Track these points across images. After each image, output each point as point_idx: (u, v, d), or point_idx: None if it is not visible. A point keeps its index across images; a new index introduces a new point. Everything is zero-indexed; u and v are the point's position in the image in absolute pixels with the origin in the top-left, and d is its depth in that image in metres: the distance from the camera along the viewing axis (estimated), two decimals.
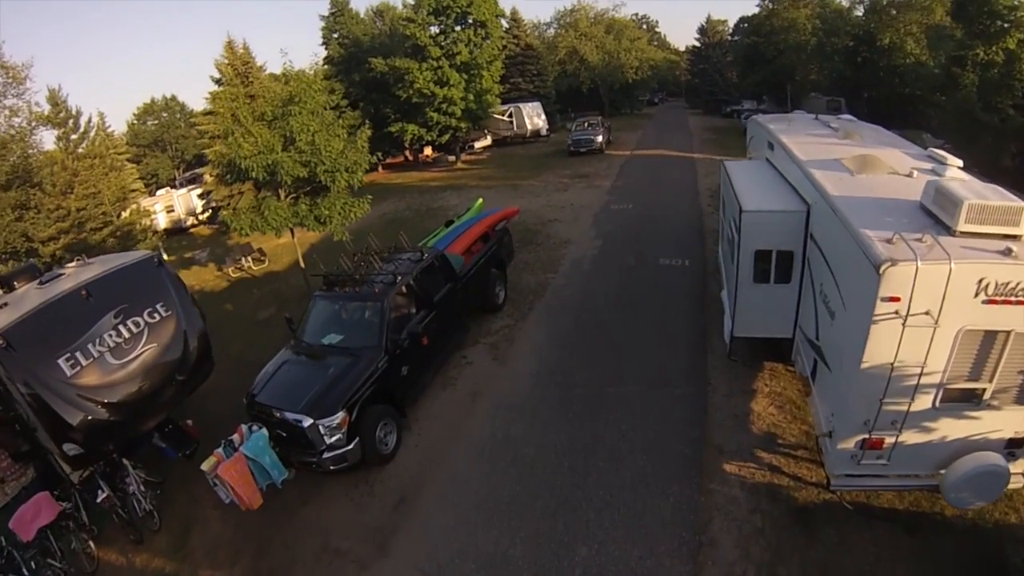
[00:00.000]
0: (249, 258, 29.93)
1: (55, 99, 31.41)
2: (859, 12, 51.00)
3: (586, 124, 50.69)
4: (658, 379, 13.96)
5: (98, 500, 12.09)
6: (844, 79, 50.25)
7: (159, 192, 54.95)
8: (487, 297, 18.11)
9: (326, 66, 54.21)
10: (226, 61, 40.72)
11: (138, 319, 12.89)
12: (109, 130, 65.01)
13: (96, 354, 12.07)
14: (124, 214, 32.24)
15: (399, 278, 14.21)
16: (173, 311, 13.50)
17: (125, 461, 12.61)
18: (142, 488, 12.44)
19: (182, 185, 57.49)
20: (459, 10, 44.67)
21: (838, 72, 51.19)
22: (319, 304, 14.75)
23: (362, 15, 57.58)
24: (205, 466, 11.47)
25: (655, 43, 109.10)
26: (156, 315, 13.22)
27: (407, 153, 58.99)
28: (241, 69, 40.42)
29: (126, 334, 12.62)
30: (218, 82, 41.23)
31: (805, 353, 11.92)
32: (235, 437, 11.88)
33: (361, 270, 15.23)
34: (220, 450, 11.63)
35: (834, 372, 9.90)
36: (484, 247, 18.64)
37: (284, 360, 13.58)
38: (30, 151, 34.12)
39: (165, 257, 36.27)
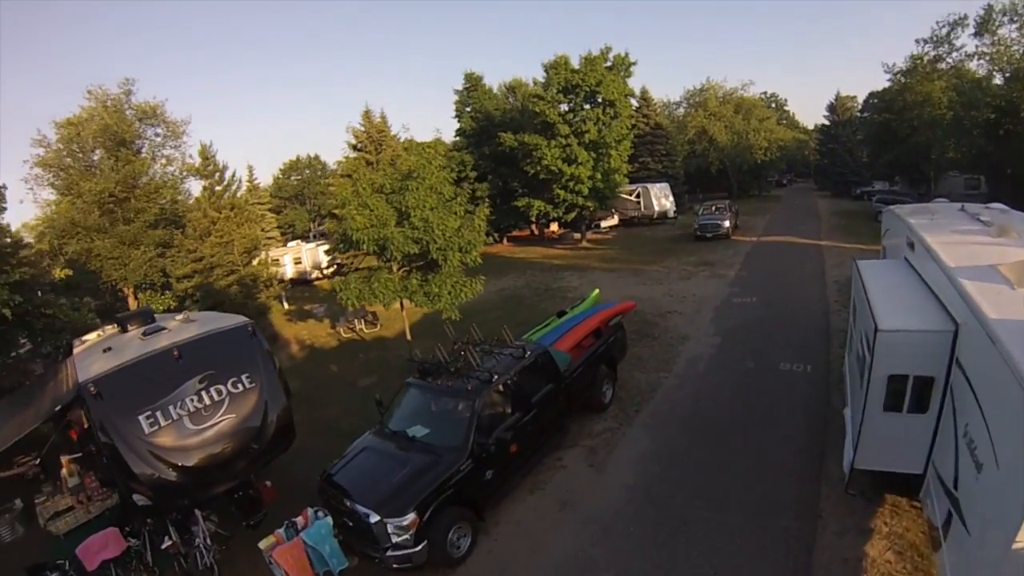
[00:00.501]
0: (362, 321, 29.96)
1: (206, 153, 33.17)
2: (999, 80, 45.91)
3: (713, 208, 49.08)
4: (763, 507, 12.16)
5: (163, 546, 12.10)
6: (984, 155, 46.08)
7: (290, 243, 56.80)
8: (593, 397, 16.54)
9: (457, 137, 55.04)
10: (362, 128, 41.85)
11: (221, 387, 12.50)
12: (256, 181, 69.06)
13: (175, 416, 11.83)
14: (254, 263, 33.11)
15: (495, 377, 13.01)
16: (257, 384, 13.01)
17: (197, 511, 12.44)
18: (208, 541, 12.24)
19: (314, 238, 59.26)
20: (588, 89, 44.16)
21: (978, 148, 46.43)
22: (410, 392, 13.96)
23: (495, 90, 58.46)
24: (263, 544, 11.09)
25: (784, 122, 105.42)
26: (240, 386, 12.78)
27: (533, 227, 58.79)
28: (376, 137, 41.46)
29: (207, 401, 12.26)
30: (354, 147, 42.35)
31: (937, 497, 9.96)
32: (299, 520, 11.37)
33: (457, 362, 14.13)
34: (281, 531, 11.20)
35: (974, 538, 8.03)
36: (595, 343, 17.20)
37: (365, 445, 12.89)
38: (179, 197, 36.81)
39: (286, 306, 37.65)
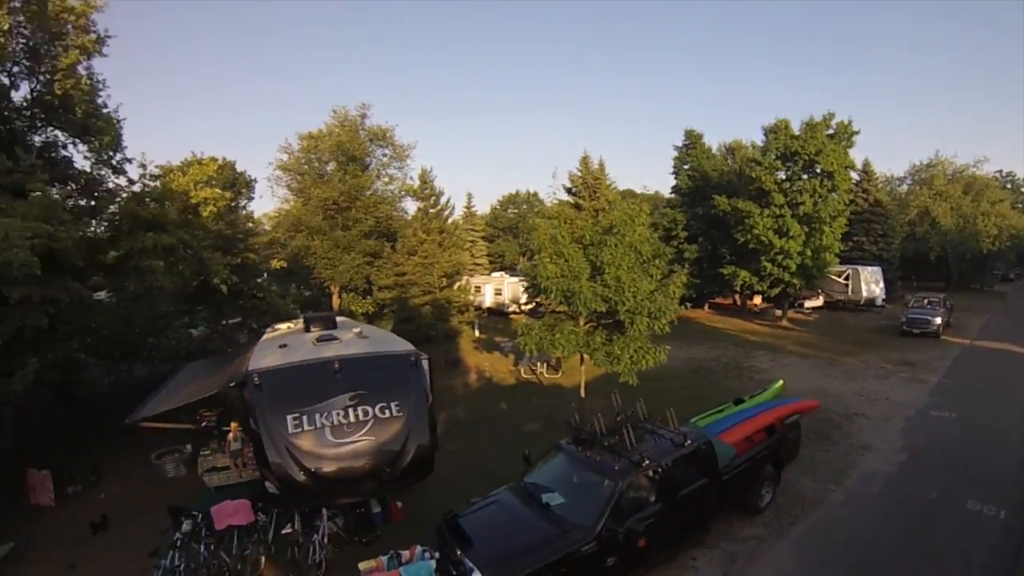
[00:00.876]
0: (545, 364, 29.01)
1: (425, 178, 34.32)
2: None
3: (925, 301, 43.01)
4: None
5: (284, 531, 12.94)
6: None
7: (495, 274, 57.38)
8: (749, 498, 14.43)
9: (672, 195, 53.52)
10: (579, 173, 41.80)
11: (368, 408, 12.28)
12: (473, 209, 71.48)
13: (319, 425, 11.85)
14: (454, 287, 33.63)
15: (646, 461, 11.64)
16: (404, 414, 12.62)
17: (324, 510, 13.04)
18: (325, 540, 12.74)
19: (519, 272, 59.88)
20: (807, 157, 40.52)
21: None
22: (558, 456, 12.95)
23: (714, 150, 55.28)
24: (362, 566, 11.03)
25: (1020, 206, 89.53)
26: (387, 412, 12.46)
27: (736, 297, 55.53)
28: (591, 184, 41.28)
29: (352, 419, 12.09)
30: (568, 191, 42.39)
31: None
32: (405, 553, 11.14)
33: (613, 436, 12.75)
34: (384, 559, 11.05)
35: None
36: (765, 440, 15.14)
37: (497, 499, 12.13)
38: (394, 213, 38.78)
39: (477, 334, 37.90)
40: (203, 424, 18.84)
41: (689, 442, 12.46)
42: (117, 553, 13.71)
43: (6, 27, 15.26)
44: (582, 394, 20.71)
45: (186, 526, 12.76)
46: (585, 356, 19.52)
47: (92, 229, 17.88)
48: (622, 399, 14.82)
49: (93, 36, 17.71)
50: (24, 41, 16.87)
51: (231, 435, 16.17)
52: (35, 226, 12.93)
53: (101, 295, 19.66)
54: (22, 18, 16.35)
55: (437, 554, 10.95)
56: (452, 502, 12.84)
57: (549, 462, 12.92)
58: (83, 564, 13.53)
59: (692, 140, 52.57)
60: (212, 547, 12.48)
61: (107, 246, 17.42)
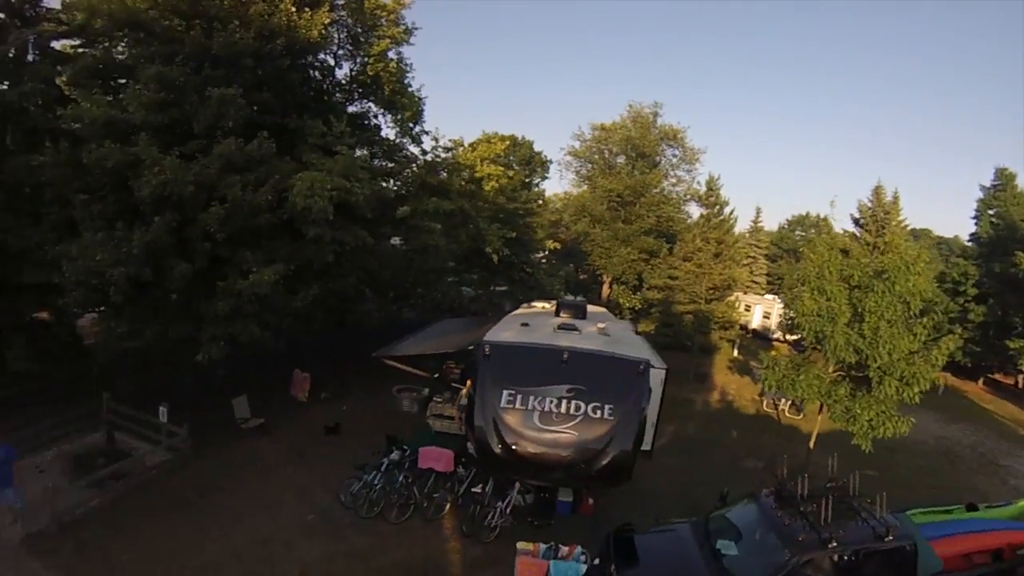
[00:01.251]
0: (788, 402, 26.00)
1: (712, 185, 33.82)
2: None
3: None
4: None
5: (474, 489, 14.06)
6: None
7: (767, 296, 53.97)
8: None
9: (969, 243, 45.75)
10: (869, 205, 38.03)
11: (581, 404, 12.15)
12: (760, 224, 68.02)
13: (529, 407, 12.10)
14: (724, 302, 32.47)
15: (834, 543, 9.78)
16: (615, 419, 12.20)
17: (517, 483, 13.84)
18: (507, 510, 13.43)
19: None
20: None
21: None
22: (751, 505, 11.57)
23: None
24: (520, 546, 11.51)
25: None
26: (599, 412, 12.18)
27: (1020, 378, 44.94)
28: (880, 218, 37.33)
29: (562, 410, 12.07)
30: (856, 222, 38.75)
31: None
32: (564, 548, 11.40)
33: (811, 503, 10.93)
34: (543, 546, 11.42)
35: None
36: (986, 566, 11.93)
37: (674, 530, 11.35)
38: (676, 215, 38.43)
39: (735, 353, 36.03)
40: (435, 375, 20.50)
41: (891, 537, 10.26)
42: (336, 455, 16.31)
43: (327, 21, 17.73)
44: (811, 444, 18.53)
45: (395, 455, 14.73)
46: (825, 405, 17.51)
47: (385, 188, 19.92)
48: (849, 465, 13.05)
49: (402, 28, 20.17)
50: (347, 31, 19.82)
51: (463, 391, 16.74)
52: (336, 181, 14.97)
53: (395, 240, 21.69)
54: (344, 13, 19.32)
55: (595, 561, 10.81)
56: (640, 515, 12.55)
57: (741, 508, 11.70)
58: (308, 455, 16.66)
59: (1003, 180, 42.35)
60: (409, 480, 14.09)
61: (396, 203, 19.39)
